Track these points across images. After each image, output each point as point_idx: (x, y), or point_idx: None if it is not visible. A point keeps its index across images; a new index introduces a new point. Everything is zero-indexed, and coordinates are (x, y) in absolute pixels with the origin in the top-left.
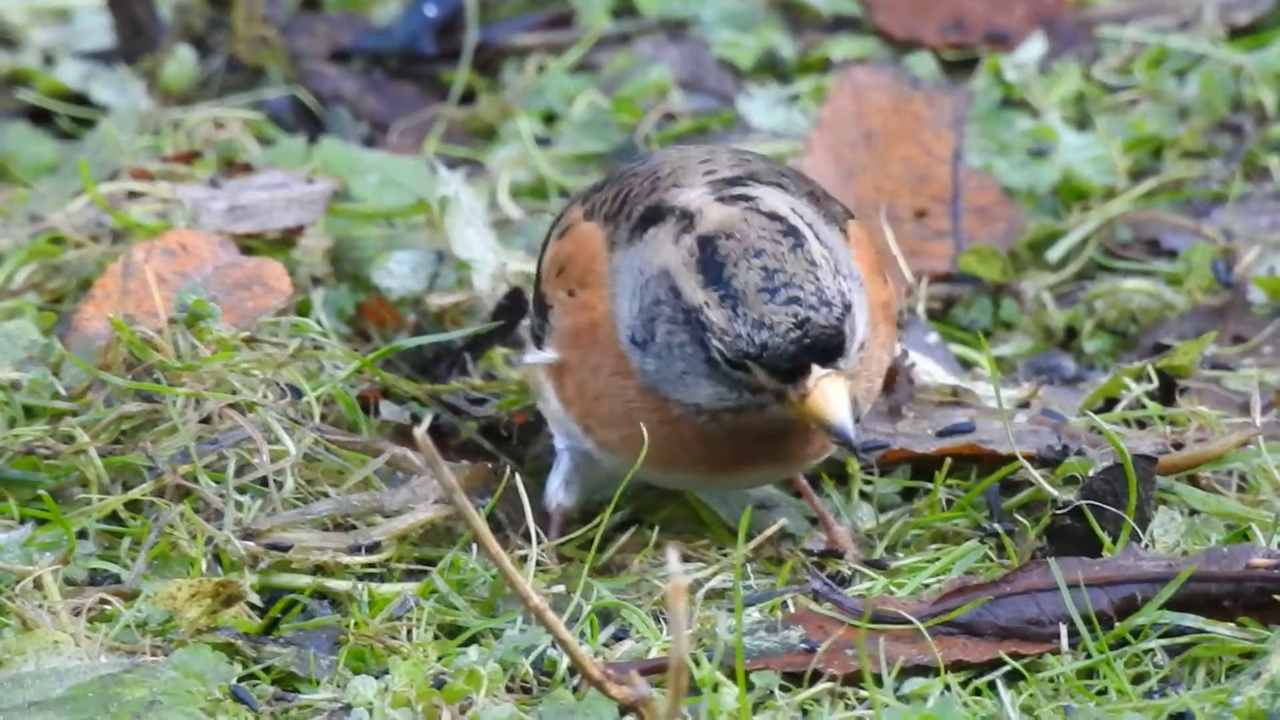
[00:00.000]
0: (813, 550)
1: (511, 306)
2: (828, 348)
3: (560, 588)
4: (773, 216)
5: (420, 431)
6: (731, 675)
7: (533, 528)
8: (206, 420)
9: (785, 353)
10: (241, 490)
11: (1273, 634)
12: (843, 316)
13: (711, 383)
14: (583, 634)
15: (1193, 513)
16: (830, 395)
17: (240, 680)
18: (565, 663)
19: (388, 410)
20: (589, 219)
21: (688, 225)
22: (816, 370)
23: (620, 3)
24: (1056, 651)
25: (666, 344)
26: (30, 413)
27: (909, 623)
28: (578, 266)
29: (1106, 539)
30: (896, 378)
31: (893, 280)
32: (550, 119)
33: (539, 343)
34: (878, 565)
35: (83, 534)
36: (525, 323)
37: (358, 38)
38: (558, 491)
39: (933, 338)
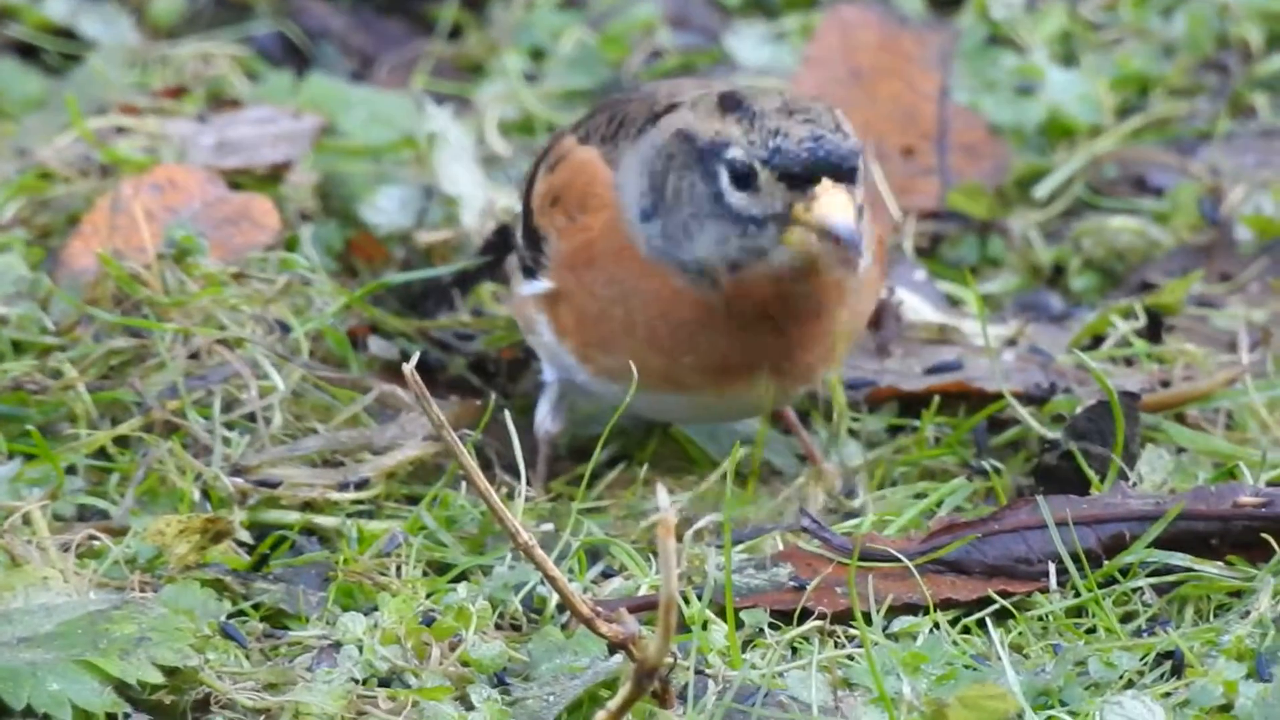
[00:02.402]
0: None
1: (499, 242)
2: (840, 165)
3: (549, 525)
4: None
5: (409, 367)
6: (721, 613)
7: (521, 464)
8: (195, 356)
9: (797, 158)
10: (230, 426)
11: (1260, 572)
12: (857, 149)
13: (715, 222)
14: (571, 571)
15: (1180, 451)
16: (836, 202)
17: (229, 617)
18: (554, 600)
19: (376, 346)
20: (584, 143)
21: (704, 97)
22: (825, 182)
23: None
24: (1045, 590)
25: (675, 192)
26: (18, 348)
27: (897, 561)
28: (575, 191)
29: (1094, 477)
30: (884, 315)
31: (882, 222)
32: (538, 55)
33: (531, 274)
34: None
35: (71, 470)
36: (511, 260)
37: None
38: (545, 419)
39: (920, 275)
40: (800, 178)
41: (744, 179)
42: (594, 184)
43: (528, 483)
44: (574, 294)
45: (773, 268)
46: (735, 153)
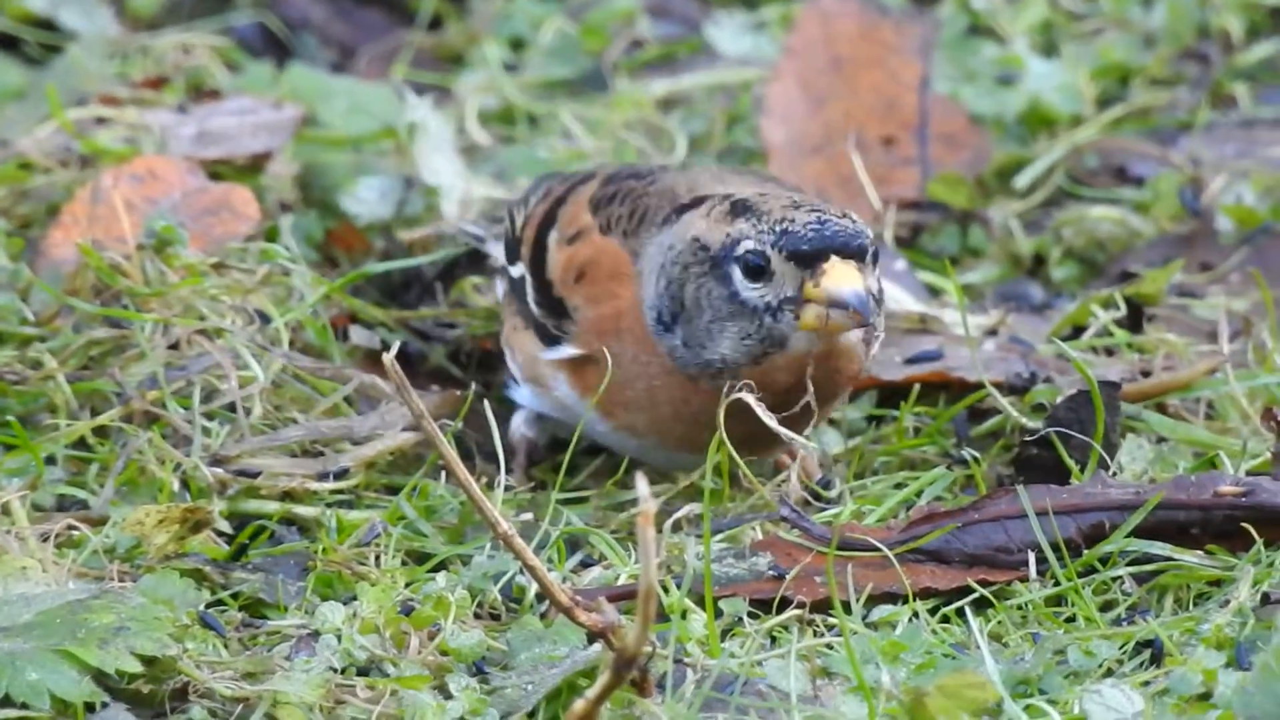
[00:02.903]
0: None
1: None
2: (847, 244)
3: (528, 515)
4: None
5: (389, 357)
6: (700, 602)
7: (500, 454)
8: (175, 346)
9: (804, 237)
10: (209, 416)
11: (1240, 562)
12: (865, 231)
13: (734, 321)
14: (550, 561)
15: (1160, 440)
16: (843, 274)
17: (208, 606)
18: (533, 589)
19: (358, 335)
20: (606, 233)
21: (722, 201)
22: (834, 259)
23: None
24: (1025, 579)
25: (695, 300)
26: None
27: (877, 550)
28: (604, 270)
29: (1074, 466)
30: None
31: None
32: (518, 45)
33: (555, 341)
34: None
35: (51, 460)
36: (497, 260)
37: None
38: (521, 425)
39: (900, 265)
40: (809, 256)
41: (757, 270)
42: (620, 264)
43: (508, 471)
44: (601, 360)
45: (792, 355)
46: (747, 245)
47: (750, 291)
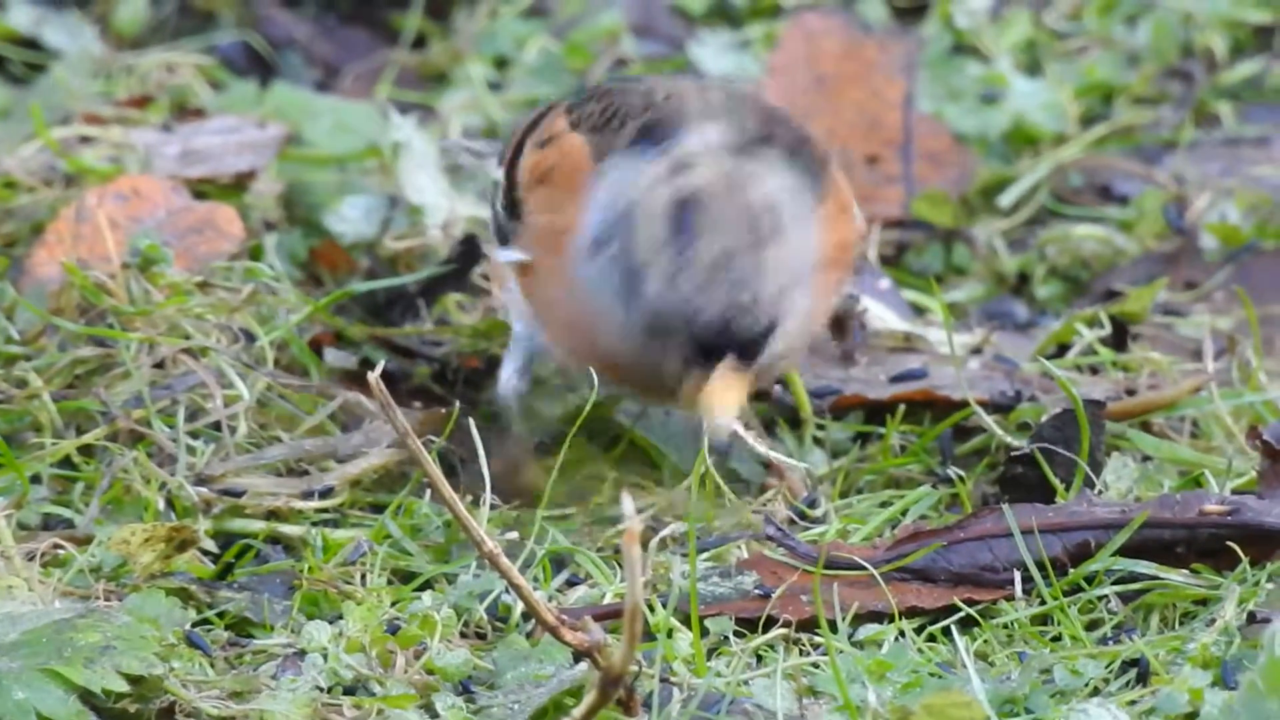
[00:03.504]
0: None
1: (466, 251)
2: (740, 351)
3: (514, 533)
4: (767, 206)
5: (373, 376)
6: (686, 621)
7: (485, 472)
8: (160, 365)
9: (703, 336)
10: (195, 435)
11: (1226, 580)
12: (768, 330)
13: (622, 329)
14: (536, 579)
15: (1145, 459)
16: (725, 394)
17: (194, 625)
18: (519, 608)
19: (332, 357)
20: (574, 129)
21: (682, 172)
22: (720, 368)
23: None
24: (1010, 598)
25: (607, 269)
26: None
27: (863, 569)
28: (560, 175)
29: (1059, 485)
30: (849, 323)
31: (859, 220)
32: (502, 64)
33: (504, 240)
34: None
35: (36, 479)
36: (487, 215)
37: None
38: (511, 378)
39: (885, 283)
40: (705, 353)
41: (655, 328)
42: (577, 172)
43: (507, 433)
44: (539, 269)
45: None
46: (656, 300)
47: (649, 326)
